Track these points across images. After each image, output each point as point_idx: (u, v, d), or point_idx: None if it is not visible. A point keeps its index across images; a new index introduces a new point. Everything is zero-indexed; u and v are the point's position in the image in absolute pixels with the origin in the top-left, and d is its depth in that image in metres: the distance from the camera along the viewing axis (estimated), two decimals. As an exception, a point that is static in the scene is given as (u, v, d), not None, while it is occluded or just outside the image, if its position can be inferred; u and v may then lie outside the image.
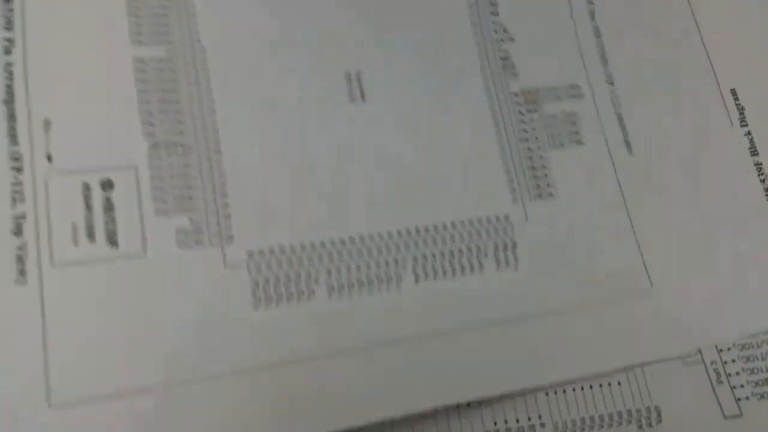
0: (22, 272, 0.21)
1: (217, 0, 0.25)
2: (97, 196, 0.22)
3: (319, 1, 0.26)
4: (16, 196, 0.22)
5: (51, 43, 0.23)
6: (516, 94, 0.27)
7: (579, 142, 0.27)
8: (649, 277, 0.26)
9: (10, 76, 0.22)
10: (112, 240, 0.22)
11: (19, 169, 0.22)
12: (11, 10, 0.23)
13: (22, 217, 0.22)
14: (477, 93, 0.27)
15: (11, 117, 0.22)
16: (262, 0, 0.26)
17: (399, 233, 0.24)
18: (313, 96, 0.25)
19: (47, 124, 0.22)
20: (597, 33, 0.29)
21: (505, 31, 0.28)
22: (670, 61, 0.29)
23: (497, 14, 0.28)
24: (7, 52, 0.23)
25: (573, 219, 0.26)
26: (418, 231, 0.25)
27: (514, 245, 0.25)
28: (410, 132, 0.26)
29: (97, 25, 0.24)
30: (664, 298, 0.26)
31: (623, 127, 0.28)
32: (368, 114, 0.25)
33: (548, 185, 0.26)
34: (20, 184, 0.22)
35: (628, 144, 0.27)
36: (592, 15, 0.29)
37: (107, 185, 0.23)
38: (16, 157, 0.22)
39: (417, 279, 0.24)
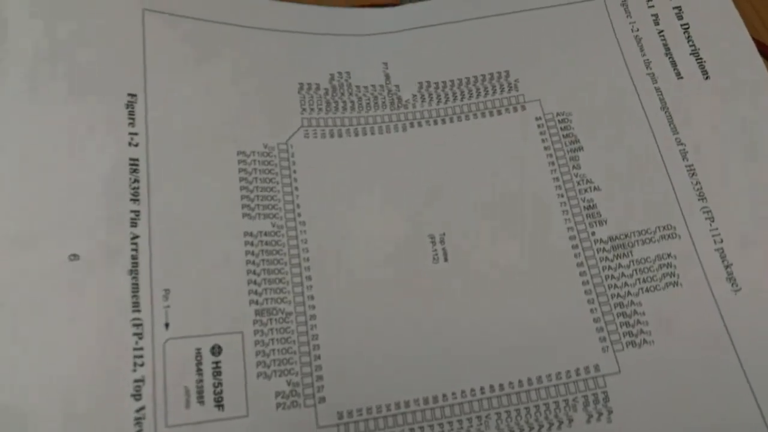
0: (139, 433, 0.23)
1: (313, 177, 0.28)
2: (207, 361, 0.24)
3: (403, 164, 0.29)
4: (137, 361, 0.23)
5: (174, 216, 0.26)
6: (603, 241, 0.28)
7: (675, 284, 0.27)
8: None
9: (135, 247, 0.25)
10: (219, 403, 0.24)
11: (140, 336, 0.24)
12: (137, 181, 0.26)
13: (142, 380, 0.23)
14: (560, 241, 0.28)
15: (135, 287, 0.24)
16: (355, 174, 0.28)
17: (482, 390, 0.25)
18: (399, 259, 0.27)
19: (167, 293, 0.24)
20: (692, 172, 0.29)
21: (589, 181, 0.29)
22: None
23: (579, 167, 0.29)
24: (134, 224, 0.25)
25: (673, 366, 0.26)
26: (502, 387, 0.26)
27: (606, 397, 0.25)
28: (492, 291, 0.27)
29: (215, 198, 0.27)
30: None
31: (727, 263, 0.27)
32: (450, 274, 0.27)
33: (642, 332, 0.26)
34: (141, 349, 0.24)
35: (732, 281, 0.27)
36: (684, 155, 0.29)
37: (216, 350, 0.24)
38: (137, 324, 0.24)
39: None
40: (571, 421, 0.25)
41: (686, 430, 0.25)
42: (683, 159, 0.29)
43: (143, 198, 0.25)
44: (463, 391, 0.26)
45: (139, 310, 0.24)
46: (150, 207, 0.25)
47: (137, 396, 0.23)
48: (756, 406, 0.25)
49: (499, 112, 0.30)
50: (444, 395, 0.26)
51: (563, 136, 0.30)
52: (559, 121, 0.30)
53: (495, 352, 0.26)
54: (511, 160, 0.29)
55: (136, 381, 0.23)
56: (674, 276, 0.27)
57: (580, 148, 0.29)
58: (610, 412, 0.25)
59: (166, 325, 0.24)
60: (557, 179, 0.29)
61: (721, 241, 0.28)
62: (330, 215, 0.28)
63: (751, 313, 0.26)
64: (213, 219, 0.26)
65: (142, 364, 0.24)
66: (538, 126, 0.30)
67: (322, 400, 0.25)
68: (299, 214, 0.27)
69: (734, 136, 0.29)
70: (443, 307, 0.27)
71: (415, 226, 0.28)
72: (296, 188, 0.28)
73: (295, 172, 0.28)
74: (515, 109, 0.30)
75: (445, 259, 0.27)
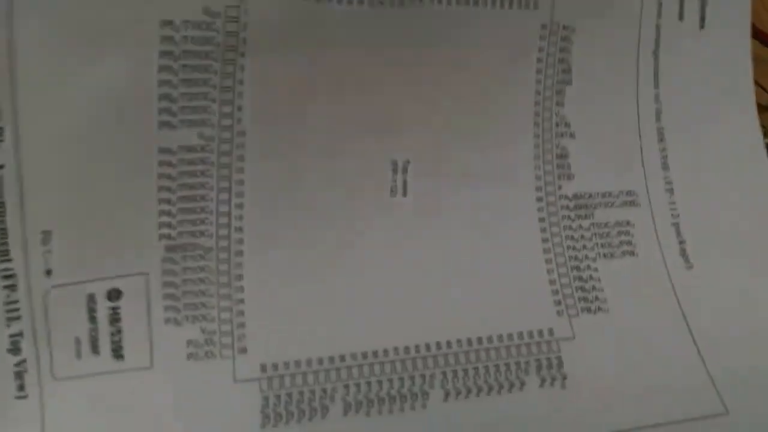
0: (21, 387, 0.20)
1: (267, 67, 0.21)
2: (103, 308, 0.20)
3: (366, 85, 0.22)
4: (11, 315, 0.19)
5: (51, 128, 0.19)
6: (568, 198, 0.25)
7: (632, 254, 0.25)
8: (721, 400, 0.24)
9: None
10: (118, 353, 0.20)
11: (12, 287, 0.19)
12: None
13: (19, 334, 0.20)
14: (526, 192, 0.25)
15: (1, 231, 0.19)
16: (317, 65, 0.21)
17: (427, 346, 0.23)
18: (352, 185, 0.22)
19: (46, 236, 0.19)
20: (660, 136, 0.27)
21: (567, 125, 0.25)
22: (734, 171, 0.27)
23: (563, 105, 0.25)
24: (-5, 144, 0.19)
25: (627, 334, 0.24)
26: (449, 344, 0.23)
27: (560, 362, 0.24)
28: (443, 236, 0.23)
29: (119, 97, 0.20)
30: (741, 426, 0.23)
31: (681, 239, 0.26)
32: (405, 213, 0.23)
33: (597, 299, 0.25)
34: (15, 302, 0.19)
35: (685, 256, 0.26)
36: (659, 116, 0.27)
37: (114, 295, 0.20)
38: (7, 275, 0.19)
39: (446, 397, 0.23)
40: (523, 384, 0.23)
41: (639, 397, 0.23)
42: (657, 120, 0.27)
43: (5, 103, 0.18)
44: (406, 347, 0.22)
45: (9, 259, 0.19)
46: (18, 118, 0.18)
47: (15, 350, 0.20)
48: (705, 372, 0.24)
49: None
50: (385, 350, 0.22)
51: (559, 60, 0.25)
52: (562, 38, 0.25)
53: (444, 306, 0.23)
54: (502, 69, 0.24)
55: (12, 336, 0.19)
56: (631, 245, 0.26)
57: (569, 81, 0.26)
58: (564, 377, 0.23)
59: (48, 272, 0.20)
60: (537, 114, 0.25)
61: (678, 215, 0.26)
62: (277, 123, 0.21)
63: (701, 290, 0.25)
64: (115, 129, 0.19)
65: (18, 318, 0.19)
66: (541, 37, 0.25)
67: (243, 350, 0.21)
68: (239, 120, 0.21)
69: (709, 98, 0.27)
70: (390, 250, 0.23)
71: (379, 148, 0.22)
72: (240, 82, 0.20)
73: (243, 55, 0.20)
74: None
75: (404, 194, 0.23)
